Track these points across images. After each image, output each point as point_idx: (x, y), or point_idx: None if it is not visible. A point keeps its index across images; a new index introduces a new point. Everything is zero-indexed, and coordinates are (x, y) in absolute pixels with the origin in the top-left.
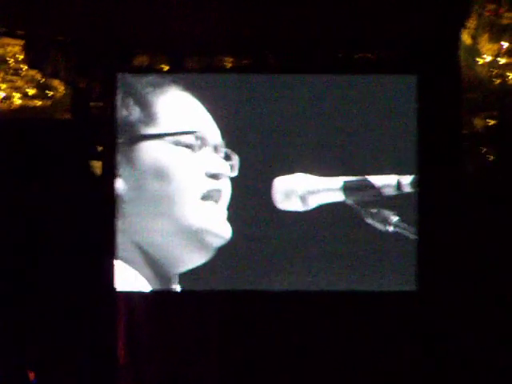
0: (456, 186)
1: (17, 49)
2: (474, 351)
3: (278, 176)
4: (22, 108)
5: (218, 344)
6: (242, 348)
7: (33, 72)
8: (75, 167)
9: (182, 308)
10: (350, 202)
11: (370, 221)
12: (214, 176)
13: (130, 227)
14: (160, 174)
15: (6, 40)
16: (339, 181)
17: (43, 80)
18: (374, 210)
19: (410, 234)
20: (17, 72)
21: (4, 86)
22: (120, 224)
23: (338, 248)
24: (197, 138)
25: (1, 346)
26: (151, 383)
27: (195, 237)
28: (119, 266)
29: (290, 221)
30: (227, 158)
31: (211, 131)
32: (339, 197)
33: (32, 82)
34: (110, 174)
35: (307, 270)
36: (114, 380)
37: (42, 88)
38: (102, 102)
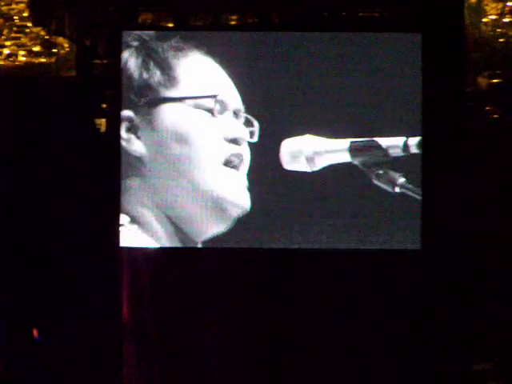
0: (460, 144)
1: (22, 6)
2: (475, 311)
3: (287, 137)
4: (26, 65)
5: (226, 303)
6: (251, 305)
7: (37, 29)
8: (80, 124)
9: (191, 265)
10: (356, 162)
11: (376, 182)
12: (235, 141)
13: (149, 188)
14: (180, 137)
15: None
16: (346, 142)
17: (48, 37)
18: (381, 171)
19: (416, 194)
20: (22, 29)
21: (9, 43)
22: (139, 184)
23: (345, 208)
24: (217, 102)
25: (4, 304)
26: (156, 341)
27: (215, 204)
28: (133, 226)
29: (298, 181)
30: (247, 123)
31: (232, 96)
32: (346, 158)
33: (37, 39)
34: (115, 131)
35: (314, 229)
36: (119, 337)
37: (46, 45)
38: (107, 59)
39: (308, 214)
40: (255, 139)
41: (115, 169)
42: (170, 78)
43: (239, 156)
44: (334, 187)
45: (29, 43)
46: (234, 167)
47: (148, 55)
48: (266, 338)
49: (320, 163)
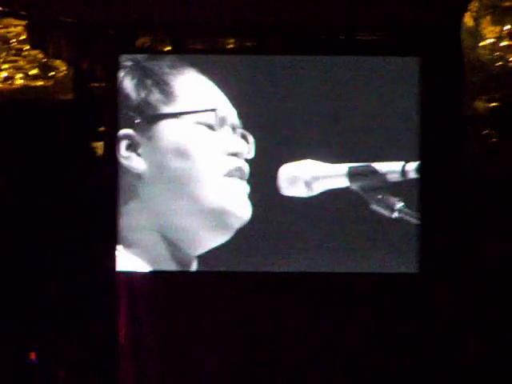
0: (458, 169)
1: (19, 29)
2: (472, 334)
3: (283, 161)
4: (23, 88)
5: (223, 326)
6: (247, 328)
7: (35, 52)
8: (77, 147)
9: (187, 288)
10: (354, 187)
11: (374, 207)
12: (235, 154)
13: (148, 207)
14: (181, 152)
15: (9, 20)
16: (344, 167)
17: (45, 60)
18: (379, 196)
19: (415, 219)
20: (19, 52)
21: (6, 66)
22: (137, 204)
23: (343, 232)
24: (216, 116)
25: (2, 327)
26: (153, 364)
27: (216, 216)
28: (129, 249)
29: (296, 205)
30: (243, 138)
31: (229, 111)
32: (344, 183)
33: (34, 62)
34: (112, 154)
35: (312, 253)
36: (115, 362)
37: (44, 68)
38: (105, 82)
39: (305, 237)
40: (252, 155)
41: (112, 192)
42: (167, 94)
43: (240, 169)
44: (332, 211)
45: (26, 66)
46: (235, 179)
47: (144, 74)
48: (264, 361)
49: (318, 188)
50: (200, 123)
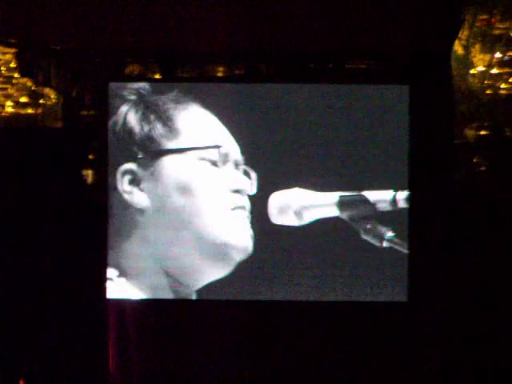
0: (448, 198)
1: (8, 56)
2: (464, 363)
3: (273, 189)
4: (13, 116)
5: (216, 356)
6: (240, 358)
7: (24, 80)
8: (66, 175)
9: (179, 317)
10: (344, 217)
11: (364, 236)
12: (238, 191)
13: (148, 240)
14: (184, 188)
15: None
16: (334, 196)
17: (35, 88)
18: (369, 226)
19: (405, 249)
20: (9, 80)
21: None
22: (137, 236)
23: (332, 261)
24: (220, 153)
25: None
26: None
27: (217, 250)
28: (128, 278)
29: (286, 234)
30: (246, 175)
31: (232, 147)
32: (334, 212)
33: (24, 89)
34: (101, 182)
35: (301, 282)
36: None
37: (33, 96)
38: (94, 110)
39: (295, 266)
40: (254, 191)
41: (102, 220)
42: (171, 129)
43: (242, 206)
44: (321, 240)
45: (16, 94)
46: (237, 215)
47: (147, 108)
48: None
49: (308, 217)
50: (203, 159)
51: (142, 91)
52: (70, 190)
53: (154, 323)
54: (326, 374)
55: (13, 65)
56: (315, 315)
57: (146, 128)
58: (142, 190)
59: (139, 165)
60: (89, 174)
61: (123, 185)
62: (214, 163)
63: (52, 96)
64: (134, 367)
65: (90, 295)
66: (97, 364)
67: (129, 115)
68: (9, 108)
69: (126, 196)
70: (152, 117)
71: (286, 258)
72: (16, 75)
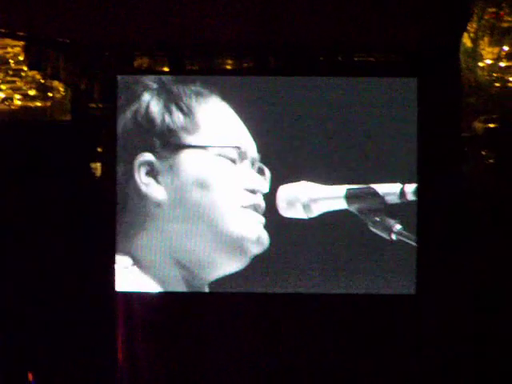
0: (456, 190)
1: (17, 50)
2: (472, 356)
3: (281, 182)
4: (22, 109)
5: (225, 350)
6: (250, 351)
7: (33, 73)
8: (74, 168)
9: (189, 310)
10: (353, 209)
11: (373, 229)
12: (254, 191)
13: (164, 233)
14: (201, 184)
15: (7, 41)
16: (342, 189)
17: (43, 81)
18: (377, 218)
19: (413, 241)
20: (17, 73)
21: (4, 86)
22: (152, 228)
23: (340, 253)
24: (239, 151)
25: (0, 346)
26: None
27: (234, 244)
28: (142, 271)
29: (294, 227)
30: (260, 172)
31: (250, 145)
32: (343, 205)
33: (32, 83)
34: (110, 175)
35: (308, 275)
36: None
37: (42, 89)
38: (102, 103)
39: (303, 259)
40: (267, 190)
41: (111, 213)
42: (192, 123)
43: (258, 205)
44: (330, 233)
45: (24, 87)
46: (252, 211)
47: (169, 99)
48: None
49: (317, 210)
50: (222, 156)
51: (164, 80)
52: (78, 182)
53: (164, 316)
54: (336, 366)
55: (21, 58)
56: (324, 308)
57: (168, 119)
58: (159, 183)
59: (157, 157)
60: (97, 167)
61: (140, 176)
62: (233, 160)
63: (60, 89)
64: (143, 361)
65: (99, 288)
66: (105, 357)
67: (151, 105)
68: (17, 101)
69: (142, 187)
70: (174, 107)
71: (295, 251)
72: (25, 68)
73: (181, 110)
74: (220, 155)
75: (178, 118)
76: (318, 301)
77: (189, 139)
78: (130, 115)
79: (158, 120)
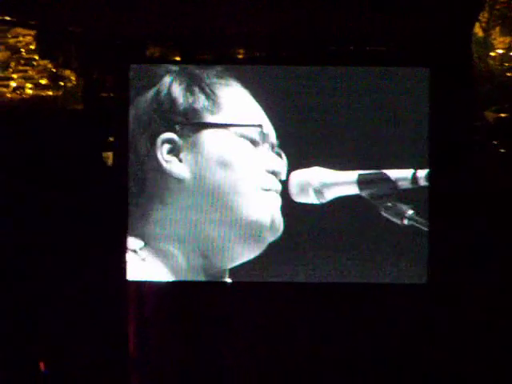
0: (467, 178)
1: (29, 39)
2: (484, 347)
3: (293, 168)
4: (33, 98)
5: (237, 339)
6: (262, 342)
7: (45, 62)
8: (86, 158)
9: (201, 299)
10: (364, 195)
11: (385, 214)
12: (274, 173)
13: (184, 215)
14: (223, 164)
15: (18, 30)
16: (354, 174)
17: (55, 70)
18: (389, 204)
19: (425, 227)
20: (29, 62)
21: (16, 76)
22: (171, 210)
23: (353, 240)
24: (261, 132)
25: (12, 336)
26: (163, 376)
27: (252, 229)
28: (153, 259)
29: (306, 213)
30: (279, 157)
31: (270, 129)
32: (354, 190)
33: (44, 72)
34: (121, 164)
35: (321, 262)
36: (125, 371)
37: (53, 78)
38: (114, 92)
39: (315, 246)
40: (284, 176)
41: (123, 202)
42: (214, 103)
43: (276, 190)
44: (342, 219)
45: (36, 76)
46: (271, 195)
47: (192, 80)
48: (285, 370)
49: (328, 195)
50: (244, 137)
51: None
52: (89, 172)
53: (176, 304)
54: (348, 355)
55: (33, 47)
56: (335, 297)
57: (190, 99)
58: (180, 161)
59: (180, 135)
60: (109, 156)
61: (163, 154)
62: (254, 142)
63: (72, 78)
64: (156, 350)
65: (110, 276)
66: (116, 346)
67: (173, 86)
68: (29, 90)
69: (164, 165)
70: (196, 89)
71: (307, 238)
72: (36, 57)
73: (203, 90)
74: (242, 135)
75: (201, 98)
76: (326, 290)
77: (211, 118)
78: (149, 97)
79: (180, 100)
